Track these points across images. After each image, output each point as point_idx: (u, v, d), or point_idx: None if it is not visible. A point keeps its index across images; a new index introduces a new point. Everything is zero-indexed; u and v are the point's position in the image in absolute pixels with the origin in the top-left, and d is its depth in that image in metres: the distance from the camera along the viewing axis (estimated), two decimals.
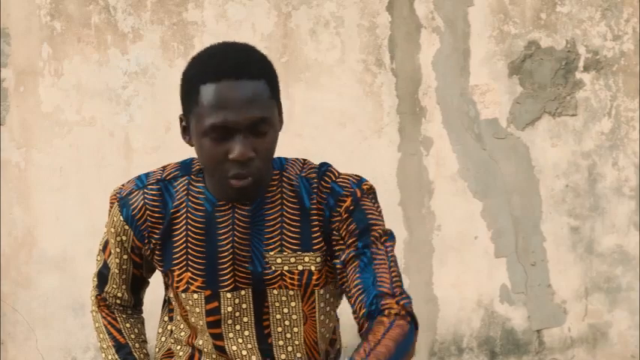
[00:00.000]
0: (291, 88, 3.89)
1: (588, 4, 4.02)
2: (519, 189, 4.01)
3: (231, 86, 1.70)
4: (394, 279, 1.77)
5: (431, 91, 3.97)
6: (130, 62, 3.88)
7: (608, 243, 4.06)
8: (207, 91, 1.71)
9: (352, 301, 1.77)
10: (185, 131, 1.81)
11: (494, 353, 4.03)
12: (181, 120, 1.82)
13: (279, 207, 1.83)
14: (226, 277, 1.84)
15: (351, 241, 1.80)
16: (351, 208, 1.80)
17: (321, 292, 1.86)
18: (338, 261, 1.81)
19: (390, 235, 1.83)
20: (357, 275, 1.76)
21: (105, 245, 1.95)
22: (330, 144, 3.90)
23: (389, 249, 1.81)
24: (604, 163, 4.04)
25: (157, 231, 1.85)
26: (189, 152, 4.01)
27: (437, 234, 3.99)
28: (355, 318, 1.77)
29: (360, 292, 1.75)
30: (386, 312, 1.72)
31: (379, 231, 1.81)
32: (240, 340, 1.89)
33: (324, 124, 3.92)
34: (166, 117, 3.82)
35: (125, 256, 1.92)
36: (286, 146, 3.79)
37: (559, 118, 4.02)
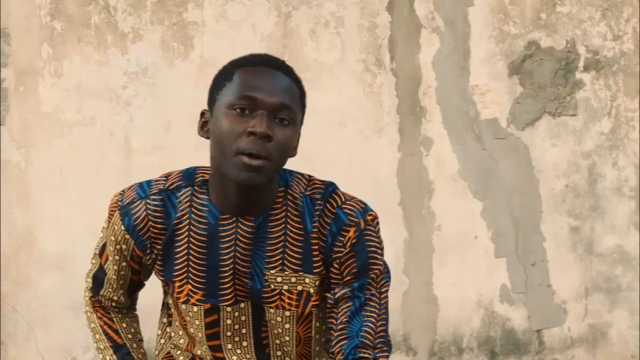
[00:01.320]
0: None
1: (588, 4, 4.02)
2: (519, 189, 4.01)
3: (267, 72, 1.78)
4: (379, 329, 1.80)
5: (431, 91, 3.97)
6: (130, 62, 3.88)
7: (608, 243, 4.05)
8: (243, 72, 1.77)
9: (334, 342, 1.79)
10: (203, 126, 1.81)
11: (494, 353, 4.03)
12: (202, 114, 1.83)
13: (282, 226, 1.82)
14: (227, 291, 1.83)
15: (348, 278, 1.80)
16: (354, 241, 1.80)
17: (317, 311, 1.87)
18: (330, 295, 1.81)
19: (386, 274, 1.83)
20: (346, 319, 1.79)
21: (102, 250, 1.93)
22: (330, 144, 3.90)
23: (383, 295, 1.82)
24: (604, 163, 4.04)
25: (160, 242, 1.84)
26: (189, 152, 4.00)
27: (437, 234, 3.99)
28: (330, 354, 1.81)
29: (343, 337, 1.78)
30: None
31: (377, 271, 1.81)
32: (238, 351, 1.89)
33: (324, 124, 3.92)
34: (166, 117, 3.81)
35: (124, 264, 1.91)
36: None
37: (559, 118, 4.02)
